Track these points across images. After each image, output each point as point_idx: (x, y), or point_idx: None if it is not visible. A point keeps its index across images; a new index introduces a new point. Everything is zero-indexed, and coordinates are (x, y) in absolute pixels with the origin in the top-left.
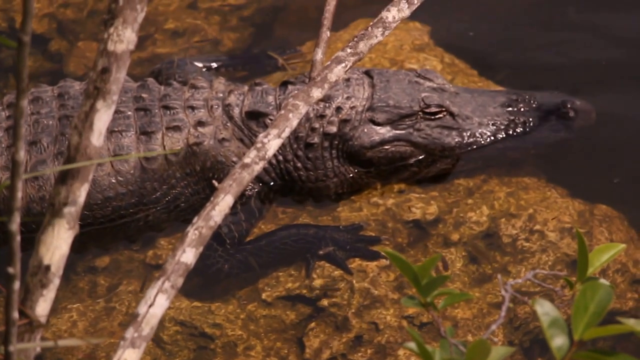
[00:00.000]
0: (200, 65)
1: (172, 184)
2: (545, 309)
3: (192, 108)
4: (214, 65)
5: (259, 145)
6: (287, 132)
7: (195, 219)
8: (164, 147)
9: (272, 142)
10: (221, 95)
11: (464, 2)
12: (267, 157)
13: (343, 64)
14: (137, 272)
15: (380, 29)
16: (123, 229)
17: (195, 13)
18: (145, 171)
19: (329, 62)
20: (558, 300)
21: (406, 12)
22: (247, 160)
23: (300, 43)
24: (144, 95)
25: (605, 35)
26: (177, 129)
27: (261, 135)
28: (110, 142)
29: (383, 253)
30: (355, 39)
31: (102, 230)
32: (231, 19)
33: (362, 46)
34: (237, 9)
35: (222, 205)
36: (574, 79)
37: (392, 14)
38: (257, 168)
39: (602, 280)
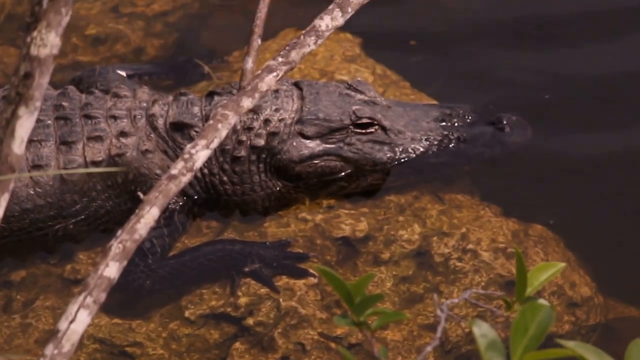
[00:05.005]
0: (123, 73)
1: (92, 197)
2: (482, 331)
3: (115, 118)
4: (138, 73)
5: (186, 156)
6: (215, 143)
7: (119, 232)
8: (85, 157)
9: (200, 153)
10: (145, 105)
11: (397, 13)
12: (195, 168)
13: (274, 73)
14: (54, 287)
15: (312, 38)
16: (41, 241)
17: (117, 18)
18: (65, 183)
19: (259, 71)
20: (492, 322)
21: (340, 21)
22: (174, 171)
23: (227, 52)
24: (64, 103)
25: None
26: (98, 139)
27: (189, 145)
28: (28, 151)
29: (315, 270)
30: (287, 48)
31: (18, 243)
32: (155, 25)
33: (294, 55)
34: (162, 15)
35: (147, 218)
36: (511, 93)
37: (325, 23)
38: (185, 180)
39: (542, 301)
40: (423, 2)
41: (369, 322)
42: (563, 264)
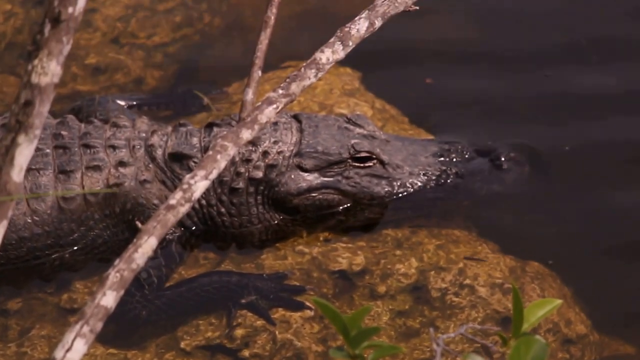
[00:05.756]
0: (122, 103)
1: (90, 226)
2: None
3: (113, 147)
4: (137, 103)
5: (185, 186)
6: (214, 174)
7: (117, 261)
8: (83, 187)
9: (198, 184)
10: (144, 135)
11: (394, 48)
12: (193, 199)
13: (274, 105)
14: (50, 316)
15: (313, 70)
16: (37, 270)
17: (117, 48)
18: (63, 211)
19: (259, 103)
20: (488, 358)
21: (340, 54)
22: (172, 201)
23: (226, 84)
24: (63, 132)
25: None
26: (97, 168)
27: (188, 176)
28: (27, 180)
29: (312, 302)
30: (287, 80)
31: (15, 271)
32: (155, 55)
33: (295, 87)
34: (162, 46)
35: (145, 247)
36: (506, 128)
37: (326, 55)
38: (183, 210)
39: (537, 337)
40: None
41: (365, 355)
42: (560, 301)
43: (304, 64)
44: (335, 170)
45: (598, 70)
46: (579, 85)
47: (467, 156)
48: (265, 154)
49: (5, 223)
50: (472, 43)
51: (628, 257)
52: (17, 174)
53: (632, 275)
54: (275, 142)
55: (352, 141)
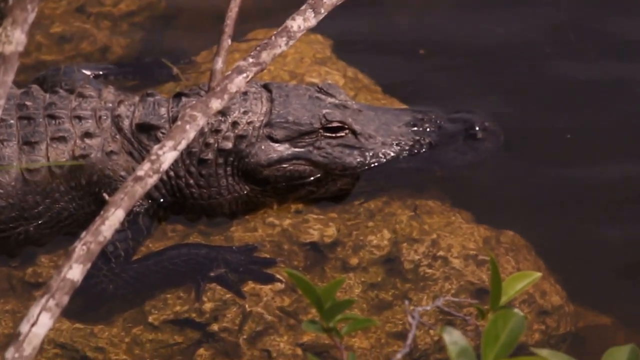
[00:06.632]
0: (88, 72)
1: (55, 198)
2: (453, 338)
3: (79, 118)
4: (103, 73)
5: (153, 157)
6: (183, 145)
7: (84, 233)
8: (48, 158)
9: (167, 155)
10: (110, 105)
11: (369, 16)
12: (161, 170)
13: (244, 74)
14: (15, 291)
15: (284, 39)
16: (2, 244)
17: (83, 17)
18: (27, 184)
19: (229, 72)
20: (462, 329)
21: (312, 22)
22: (140, 173)
23: (194, 53)
24: (27, 103)
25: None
26: (62, 139)
27: (156, 147)
28: None
29: (285, 274)
30: (258, 48)
31: None
32: (122, 24)
33: (265, 56)
34: (129, 15)
35: (112, 219)
36: (484, 99)
37: (297, 23)
38: (151, 181)
39: (516, 310)
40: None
41: (338, 328)
42: (539, 274)
43: (275, 32)
44: (307, 140)
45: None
46: (558, 67)
47: (440, 126)
48: (234, 124)
49: None
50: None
51: (604, 228)
52: None
53: (608, 246)
54: (245, 112)
55: (324, 111)
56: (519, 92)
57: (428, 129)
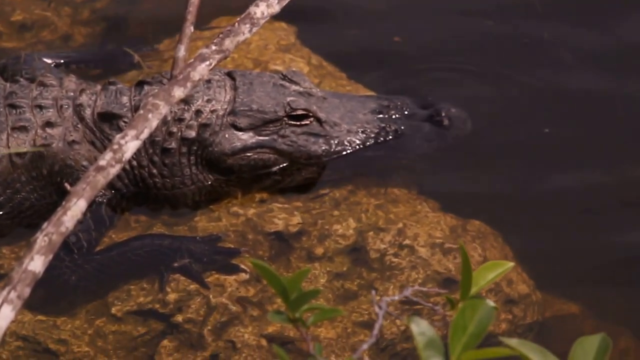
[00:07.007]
0: (49, 61)
1: (16, 188)
2: (421, 328)
3: (40, 107)
4: (65, 61)
5: (115, 147)
6: (146, 134)
7: (45, 224)
8: (9, 148)
9: (129, 144)
10: (72, 94)
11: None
12: (124, 159)
13: (207, 62)
14: None
15: (247, 25)
16: None
17: (44, 5)
18: None
19: (192, 60)
20: (429, 319)
21: (276, 8)
22: (102, 162)
23: (157, 41)
24: None
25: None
26: (23, 129)
27: (118, 136)
28: None
29: (250, 264)
30: (221, 36)
31: None
32: (83, 11)
33: (228, 43)
34: (90, 2)
35: (74, 210)
36: (449, 84)
37: (260, 10)
38: (113, 171)
39: (487, 300)
40: None
41: (304, 318)
42: (511, 264)
43: (238, 19)
44: (271, 128)
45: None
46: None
47: (406, 113)
48: (198, 112)
49: None
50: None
51: (571, 216)
52: None
53: (575, 234)
54: (208, 101)
55: (288, 99)
56: (488, 82)
57: (394, 116)
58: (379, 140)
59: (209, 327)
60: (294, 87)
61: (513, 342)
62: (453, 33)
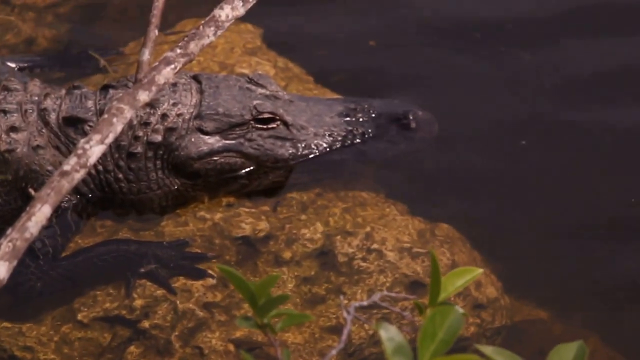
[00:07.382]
0: (13, 65)
1: None
2: (389, 334)
3: (4, 112)
4: (29, 65)
5: (79, 151)
6: (111, 138)
7: (9, 230)
8: None
9: (94, 149)
10: (36, 98)
11: (298, 4)
12: (88, 164)
13: (172, 66)
14: None
15: (212, 28)
16: None
17: (7, 9)
18: None
19: (156, 63)
20: (397, 324)
21: (241, 11)
22: (66, 167)
23: (122, 44)
24: None
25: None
26: None
27: (82, 140)
28: None
29: (214, 270)
30: (186, 39)
31: None
32: (47, 15)
33: (193, 46)
34: (53, 6)
35: (39, 215)
36: (417, 86)
37: (225, 12)
38: (78, 176)
39: (456, 307)
40: None
41: (272, 323)
42: (480, 270)
43: (203, 22)
44: (237, 132)
45: None
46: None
47: (373, 115)
48: (164, 116)
49: None
50: None
51: (541, 219)
52: None
53: (544, 238)
54: (174, 104)
55: (254, 102)
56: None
57: (361, 119)
58: (346, 144)
59: (176, 333)
60: (260, 90)
61: (488, 349)
62: (425, 38)
